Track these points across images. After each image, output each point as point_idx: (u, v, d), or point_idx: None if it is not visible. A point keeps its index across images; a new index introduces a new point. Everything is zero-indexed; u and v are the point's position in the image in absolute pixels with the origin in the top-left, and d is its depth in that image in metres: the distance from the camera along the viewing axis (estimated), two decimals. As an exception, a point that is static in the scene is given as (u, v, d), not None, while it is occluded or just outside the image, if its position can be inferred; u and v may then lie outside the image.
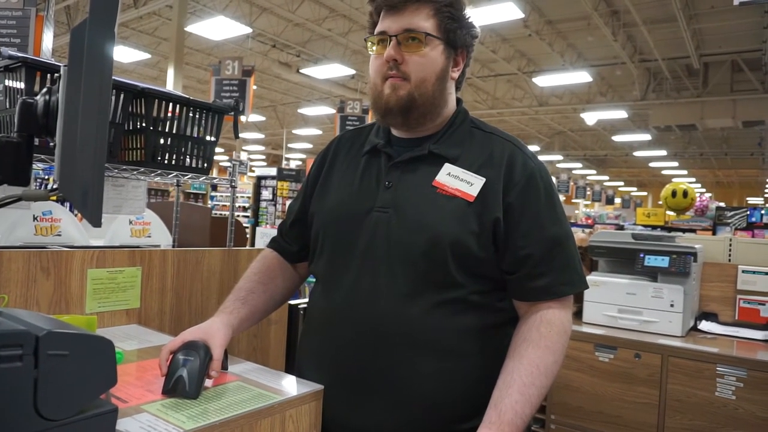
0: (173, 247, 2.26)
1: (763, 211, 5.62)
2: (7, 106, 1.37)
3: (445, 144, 1.07)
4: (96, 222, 0.65)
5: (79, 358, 0.70)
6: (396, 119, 1.05)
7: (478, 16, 7.52)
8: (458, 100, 1.14)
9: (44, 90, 0.82)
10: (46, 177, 4.01)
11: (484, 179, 1.01)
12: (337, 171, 1.15)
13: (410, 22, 1.01)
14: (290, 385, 1.02)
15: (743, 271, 2.42)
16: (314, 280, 1.18)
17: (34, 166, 1.11)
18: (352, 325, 1.02)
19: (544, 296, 1.02)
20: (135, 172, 1.60)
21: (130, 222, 2.49)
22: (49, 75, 1.32)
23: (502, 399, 0.93)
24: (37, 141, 0.92)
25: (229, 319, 1.09)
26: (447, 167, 1.04)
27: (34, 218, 2.01)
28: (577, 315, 2.46)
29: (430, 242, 0.98)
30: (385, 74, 1.03)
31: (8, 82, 1.36)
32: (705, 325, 2.37)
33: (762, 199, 28.49)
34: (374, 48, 1.05)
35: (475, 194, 1.00)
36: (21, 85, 1.32)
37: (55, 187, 0.84)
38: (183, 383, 0.91)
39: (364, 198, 1.06)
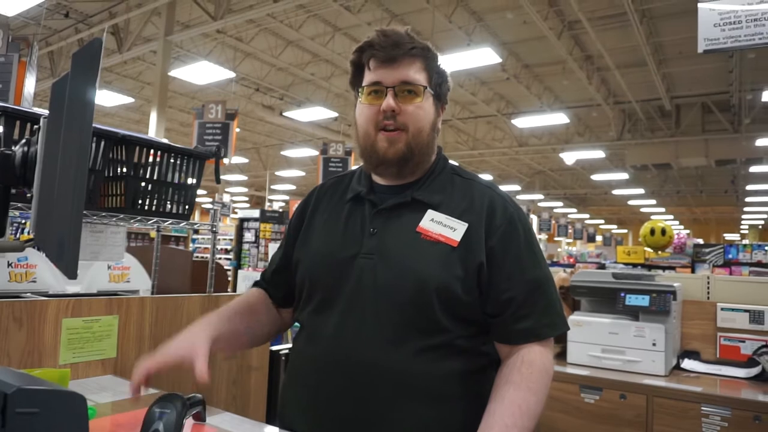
0: (152, 292, 2.22)
1: (739, 248, 5.73)
2: (-14, 154, 1.36)
3: (428, 191, 1.09)
4: (72, 275, 0.64)
5: (50, 415, 0.67)
6: (390, 170, 1.08)
7: (457, 61, 7.76)
8: (438, 148, 1.17)
9: (23, 141, 0.82)
10: (23, 222, 3.95)
11: (466, 224, 1.03)
12: (320, 218, 1.16)
13: (406, 75, 1.05)
14: (269, 437, 1.00)
15: (722, 309, 2.45)
16: (298, 326, 1.17)
17: (10, 212, 1.10)
18: (338, 372, 1.00)
19: (528, 338, 1.02)
20: (114, 219, 1.59)
21: (109, 267, 2.45)
22: (28, 123, 1.32)
23: None
24: (14, 190, 0.91)
25: (210, 333, 1.05)
26: (430, 213, 1.05)
27: (9, 264, 1.97)
28: (562, 356, 2.45)
29: (415, 287, 0.99)
30: (378, 124, 1.05)
31: (-13, 130, 1.36)
32: (688, 364, 2.38)
33: (738, 235, 29.11)
34: (365, 98, 1.07)
35: (458, 239, 1.02)
36: (0, 132, 1.31)
37: (30, 237, 0.83)
38: None
39: (349, 244, 1.07)
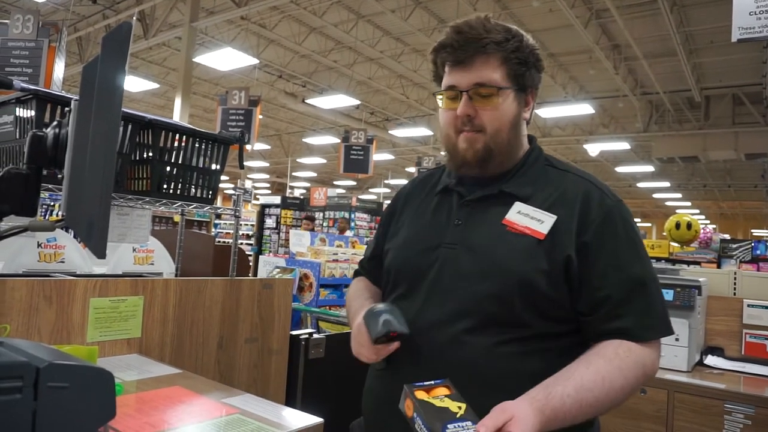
0: (176, 275, 2.26)
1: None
2: (17, 137, 1.39)
3: (517, 183, 1.06)
4: (101, 254, 0.65)
5: (79, 390, 0.69)
6: (473, 170, 1.06)
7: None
8: (531, 138, 1.13)
9: (54, 123, 0.84)
10: (52, 204, 4.04)
11: (555, 217, 0.99)
12: (410, 210, 1.18)
13: (480, 76, 1.01)
14: (290, 419, 1.01)
15: (749, 306, 2.40)
16: None
17: (40, 194, 1.13)
18: (413, 359, 1.00)
19: (622, 338, 0.96)
20: (140, 202, 1.62)
21: (134, 249, 2.50)
22: (59, 107, 1.34)
23: (555, 386, 0.87)
24: (45, 171, 0.93)
25: None
26: (517, 205, 1.03)
27: (39, 245, 2.02)
28: (581, 348, 2.43)
29: (496, 279, 0.97)
30: (458, 128, 1.04)
31: (19, 113, 1.39)
32: (711, 360, 2.34)
33: (767, 231, 28.37)
34: (443, 102, 1.06)
35: (545, 232, 0.98)
36: (32, 115, 1.34)
37: (61, 217, 0.86)
38: (391, 323, 0.94)
39: (433, 234, 1.07)
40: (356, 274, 1.33)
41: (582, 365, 0.91)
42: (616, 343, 0.94)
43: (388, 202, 1.48)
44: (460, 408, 0.79)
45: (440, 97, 1.06)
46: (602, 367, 0.90)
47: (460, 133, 1.04)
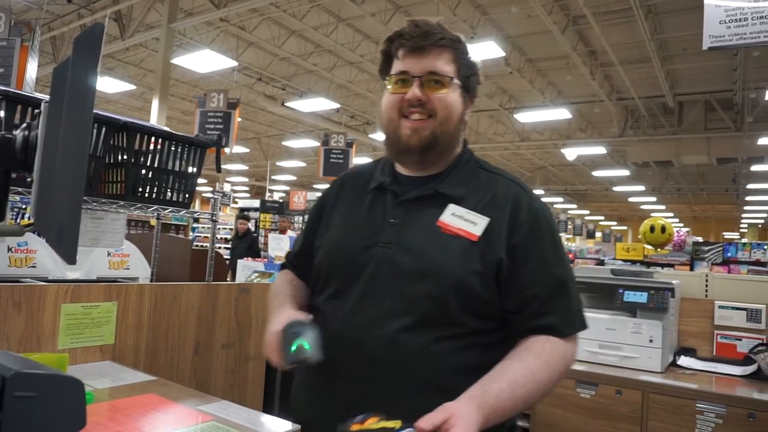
0: (151, 280, 2.23)
1: (738, 247, 5.73)
2: (-14, 138, 1.36)
3: (451, 184, 1.08)
4: (71, 260, 0.64)
5: (48, 399, 0.68)
6: (413, 158, 1.07)
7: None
8: (464, 141, 1.16)
9: (24, 125, 0.82)
10: (24, 207, 3.95)
11: (488, 219, 1.03)
12: (342, 206, 1.17)
13: (434, 65, 1.04)
14: (268, 425, 1.00)
15: (720, 307, 2.46)
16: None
17: (10, 196, 1.10)
18: (349, 358, 1.01)
19: (547, 334, 1.01)
20: (114, 206, 1.59)
21: (109, 254, 2.45)
22: (29, 108, 1.31)
23: (491, 383, 0.92)
24: (14, 174, 0.91)
25: (296, 308, 1.09)
26: (451, 207, 1.05)
27: (9, 249, 1.98)
28: (559, 350, 2.45)
29: (433, 280, 0.99)
30: (402, 110, 1.05)
31: (-12, 114, 1.35)
32: (684, 361, 2.39)
33: (738, 234, 29.11)
34: (391, 86, 1.08)
35: (479, 234, 1.01)
36: (1, 116, 1.31)
37: (30, 222, 0.83)
38: (304, 349, 0.92)
39: (369, 233, 1.07)
40: (283, 267, 1.30)
41: (515, 362, 0.96)
42: (542, 338, 1.00)
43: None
44: (396, 424, 0.81)
45: (389, 82, 1.08)
46: (532, 363, 0.96)
47: (402, 117, 1.05)
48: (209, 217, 1.97)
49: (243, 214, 10.70)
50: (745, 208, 22.40)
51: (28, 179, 0.84)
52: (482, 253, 1.00)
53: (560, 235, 1.10)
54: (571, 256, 11.52)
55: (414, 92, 1.03)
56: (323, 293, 1.11)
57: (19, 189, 1.35)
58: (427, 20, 1.06)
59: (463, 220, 1.03)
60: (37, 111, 0.84)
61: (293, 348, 0.92)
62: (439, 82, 1.04)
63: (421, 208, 1.07)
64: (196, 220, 12.71)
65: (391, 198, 1.10)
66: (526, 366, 0.95)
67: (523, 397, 0.92)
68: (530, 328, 1.02)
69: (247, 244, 8.54)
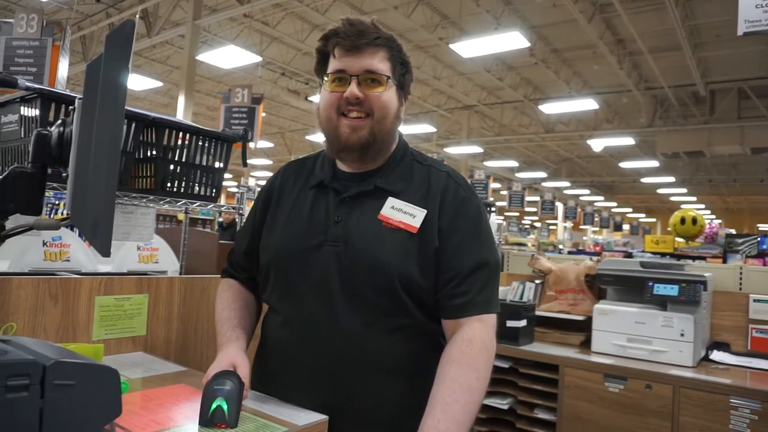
0: (180, 273, 2.27)
1: (773, 239, 5.55)
2: (22, 136, 1.40)
3: (389, 178, 1.12)
4: (105, 252, 0.66)
5: (85, 388, 0.70)
6: (352, 155, 1.10)
7: (485, 45, 7.65)
8: (399, 135, 1.19)
9: (59, 122, 0.84)
10: (57, 202, 4.06)
11: (425, 211, 1.08)
12: (285, 204, 1.19)
13: (370, 64, 1.07)
14: (294, 416, 1.01)
15: (755, 300, 2.39)
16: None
17: (45, 193, 1.13)
18: (316, 353, 1.06)
19: (462, 312, 1.06)
20: (144, 200, 1.62)
21: (138, 248, 2.51)
22: (63, 105, 1.35)
23: (425, 422, 0.95)
24: (50, 170, 0.93)
25: (241, 346, 1.13)
26: (390, 200, 1.09)
27: (44, 243, 2.03)
28: (586, 344, 2.43)
29: (379, 274, 1.04)
30: (340, 108, 1.08)
31: (24, 112, 1.39)
32: (717, 355, 2.34)
33: (773, 225, 28.21)
34: (328, 85, 1.10)
35: (417, 225, 1.07)
36: (36, 113, 1.35)
37: (66, 216, 0.86)
38: (222, 413, 0.91)
39: (314, 232, 1.11)
40: (225, 272, 1.29)
41: (438, 384, 0.99)
42: (458, 340, 1.03)
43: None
44: None
45: (326, 81, 1.10)
46: (455, 374, 0.99)
47: (341, 116, 1.08)
48: (235, 211, 1.99)
49: (231, 205, 10.79)
50: (781, 199, 21.71)
51: (63, 174, 0.86)
52: (421, 243, 1.06)
53: (488, 222, 1.14)
54: (598, 248, 11.34)
55: (352, 90, 1.06)
56: (275, 292, 1.15)
57: (54, 184, 1.39)
58: (361, 19, 1.09)
59: (403, 213, 1.08)
60: (71, 108, 0.86)
61: (212, 408, 0.91)
62: (375, 80, 1.07)
63: (362, 204, 1.11)
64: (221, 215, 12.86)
65: (333, 195, 1.13)
66: (451, 381, 0.98)
67: (461, 410, 0.95)
68: (450, 306, 1.06)
69: (230, 235, 8.66)
